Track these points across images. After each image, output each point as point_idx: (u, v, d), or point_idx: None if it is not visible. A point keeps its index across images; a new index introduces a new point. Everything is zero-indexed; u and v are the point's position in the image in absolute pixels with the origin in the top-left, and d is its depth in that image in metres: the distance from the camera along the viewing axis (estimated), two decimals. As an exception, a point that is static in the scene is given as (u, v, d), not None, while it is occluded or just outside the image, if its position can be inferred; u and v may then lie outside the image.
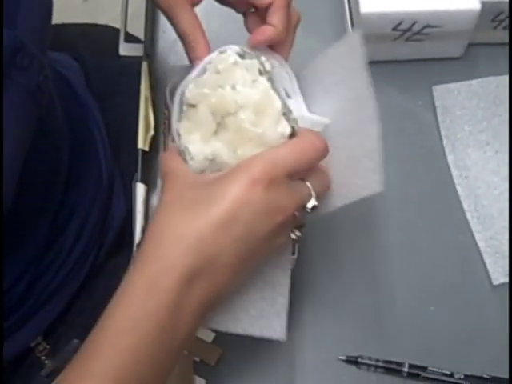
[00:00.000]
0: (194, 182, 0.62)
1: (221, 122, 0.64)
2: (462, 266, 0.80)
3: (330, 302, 0.78)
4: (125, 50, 0.89)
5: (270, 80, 0.65)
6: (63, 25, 1.09)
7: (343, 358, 0.76)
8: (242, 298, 0.67)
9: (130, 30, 0.93)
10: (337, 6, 0.89)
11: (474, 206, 0.82)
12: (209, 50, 0.67)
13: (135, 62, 0.86)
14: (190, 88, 0.65)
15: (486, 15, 0.83)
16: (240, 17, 0.71)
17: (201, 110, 0.64)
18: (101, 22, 1.20)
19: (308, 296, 0.76)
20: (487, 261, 0.80)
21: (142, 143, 0.77)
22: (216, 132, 0.64)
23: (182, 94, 0.66)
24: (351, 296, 0.79)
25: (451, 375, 0.75)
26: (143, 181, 0.76)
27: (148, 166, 0.78)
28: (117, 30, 0.94)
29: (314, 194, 0.62)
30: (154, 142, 0.80)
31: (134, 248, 0.74)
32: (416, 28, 0.82)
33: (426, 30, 0.83)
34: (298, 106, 0.67)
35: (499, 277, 0.79)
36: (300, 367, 0.74)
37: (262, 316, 0.67)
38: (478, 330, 0.78)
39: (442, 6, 0.81)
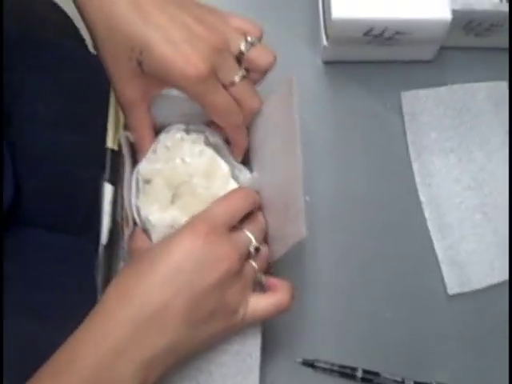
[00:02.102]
0: (148, 249, 0.66)
1: (175, 192, 0.71)
2: (420, 274, 0.82)
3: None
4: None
5: (216, 149, 0.73)
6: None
7: (300, 360, 0.78)
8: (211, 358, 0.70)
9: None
10: (313, 8, 0.89)
11: (435, 213, 0.83)
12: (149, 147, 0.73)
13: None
14: (144, 165, 0.72)
15: (457, 23, 0.82)
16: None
17: (156, 183, 0.71)
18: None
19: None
20: (444, 270, 0.82)
21: (112, 142, 0.76)
22: (172, 201, 0.71)
23: (137, 172, 0.72)
24: (311, 300, 0.80)
25: (402, 382, 0.77)
26: (111, 181, 0.75)
27: (116, 165, 0.77)
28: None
29: (252, 237, 0.67)
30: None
31: (100, 250, 0.74)
32: (387, 34, 0.82)
33: (397, 37, 0.83)
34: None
35: (454, 286, 0.81)
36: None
37: (236, 372, 0.70)
38: (431, 338, 0.80)
39: (413, 14, 0.81)
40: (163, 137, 0.73)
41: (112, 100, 0.77)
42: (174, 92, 0.70)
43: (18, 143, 0.86)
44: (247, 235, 0.68)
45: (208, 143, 0.73)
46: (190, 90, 0.66)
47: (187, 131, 0.73)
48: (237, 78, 0.68)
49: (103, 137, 0.76)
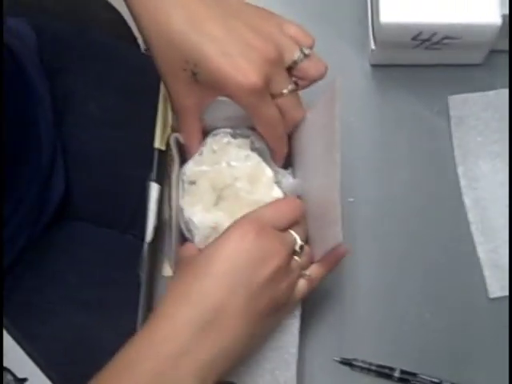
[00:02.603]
0: (199, 252, 0.68)
1: (219, 194, 0.72)
2: (462, 277, 0.82)
3: (330, 306, 0.81)
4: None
5: (261, 154, 0.74)
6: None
7: (338, 359, 0.80)
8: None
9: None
10: (361, 11, 0.89)
11: (479, 217, 0.83)
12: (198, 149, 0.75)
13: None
14: (190, 167, 0.73)
15: (507, 27, 0.82)
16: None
17: (201, 184, 0.72)
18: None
19: (308, 298, 0.78)
20: (486, 273, 0.82)
21: (159, 142, 0.77)
22: (216, 203, 0.72)
23: (183, 174, 0.74)
24: (350, 299, 0.82)
25: (439, 383, 0.78)
26: (158, 180, 0.77)
27: (163, 166, 0.79)
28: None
29: (297, 237, 0.69)
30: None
31: (145, 247, 0.76)
32: (435, 38, 0.82)
33: (445, 41, 0.82)
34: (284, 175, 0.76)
35: (496, 290, 0.81)
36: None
37: (274, 368, 0.72)
38: (470, 341, 0.80)
39: (462, 18, 0.80)
40: (210, 140, 0.74)
41: (160, 101, 0.78)
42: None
43: (69, 141, 0.89)
44: (292, 234, 0.69)
45: (253, 148, 0.74)
46: (243, 100, 0.68)
47: (234, 135, 0.75)
48: (286, 90, 0.70)
49: (151, 137, 0.78)
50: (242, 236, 0.64)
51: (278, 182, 0.74)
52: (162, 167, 0.78)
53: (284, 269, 0.65)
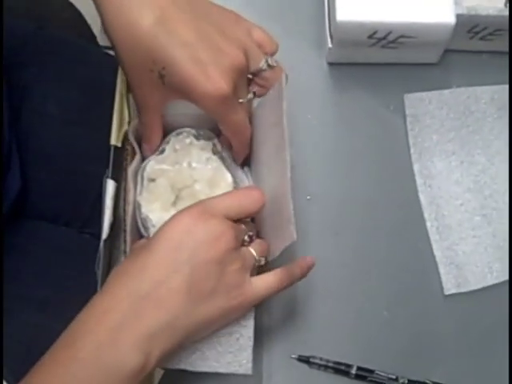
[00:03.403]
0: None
1: (178, 194, 0.73)
2: (418, 274, 0.83)
3: (287, 304, 0.81)
4: (105, 39, 0.88)
5: (222, 158, 0.74)
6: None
7: (295, 356, 0.80)
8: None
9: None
10: (318, 10, 0.90)
11: (434, 215, 0.84)
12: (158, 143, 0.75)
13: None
14: (151, 164, 0.74)
15: (461, 27, 0.83)
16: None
17: (160, 183, 0.73)
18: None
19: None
20: (441, 270, 0.82)
21: (115, 139, 0.76)
22: (174, 203, 0.73)
23: (143, 170, 0.74)
24: (307, 296, 0.81)
25: (396, 379, 0.79)
26: (113, 177, 0.76)
27: (119, 162, 0.78)
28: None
29: (245, 228, 0.69)
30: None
31: (101, 243, 0.74)
32: (391, 37, 0.82)
33: (401, 40, 0.83)
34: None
35: (451, 287, 0.82)
36: (254, 364, 0.77)
37: (229, 351, 0.70)
38: (427, 337, 0.81)
39: (417, 17, 0.81)
40: (173, 139, 0.75)
41: (117, 97, 0.77)
42: None
43: (27, 138, 0.88)
44: (241, 225, 0.68)
45: (215, 151, 0.75)
46: (211, 108, 0.67)
47: (197, 137, 0.75)
48: (245, 99, 0.70)
49: (109, 134, 0.76)
50: (189, 219, 0.64)
51: (236, 188, 0.74)
52: (118, 164, 0.77)
53: (231, 252, 0.65)
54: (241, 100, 0.69)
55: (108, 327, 0.60)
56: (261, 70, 0.71)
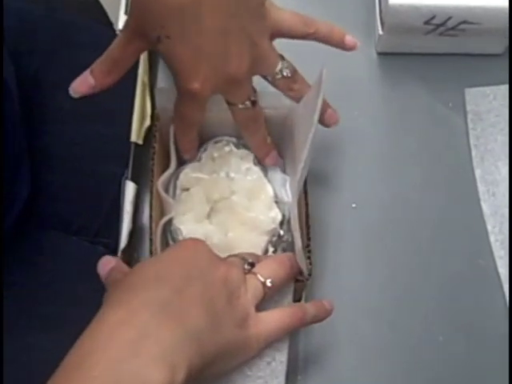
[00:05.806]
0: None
1: (214, 206, 0.70)
2: (479, 294, 0.76)
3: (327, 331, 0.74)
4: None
5: (263, 169, 0.73)
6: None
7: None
8: None
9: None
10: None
11: (498, 227, 0.77)
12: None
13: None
14: (186, 172, 0.71)
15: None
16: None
17: (195, 193, 0.70)
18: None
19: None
20: (507, 291, 0.75)
21: (136, 136, 0.74)
22: (209, 215, 0.70)
23: (176, 178, 0.71)
24: (359, 317, 0.75)
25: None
26: (134, 179, 0.73)
27: (140, 162, 0.75)
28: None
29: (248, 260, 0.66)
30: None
31: (119, 254, 0.71)
32: (451, 23, 0.78)
33: (462, 26, 0.79)
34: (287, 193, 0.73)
35: (518, 307, 0.75)
36: None
37: (258, 376, 0.64)
38: (487, 361, 0.74)
39: (481, 1, 0.77)
40: (211, 146, 0.73)
41: (138, 88, 0.75)
42: None
43: (36, 135, 0.85)
44: (237, 258, 0.66)
45: (256, 163, 0.73)
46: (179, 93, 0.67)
47: (237, 145, 0.73)
48: (242, 105, 0.69)
49: (128, 130, 0.75)
50: (195, 246, 0.63)
51: (277, 202, 0.71)
52: (139, 164, 0.75)
53: (237, 277, 0.63)
54: (240, 106, 0.68)
55: (125, 340, 0.55)
56: (277, 75, 0.69)
